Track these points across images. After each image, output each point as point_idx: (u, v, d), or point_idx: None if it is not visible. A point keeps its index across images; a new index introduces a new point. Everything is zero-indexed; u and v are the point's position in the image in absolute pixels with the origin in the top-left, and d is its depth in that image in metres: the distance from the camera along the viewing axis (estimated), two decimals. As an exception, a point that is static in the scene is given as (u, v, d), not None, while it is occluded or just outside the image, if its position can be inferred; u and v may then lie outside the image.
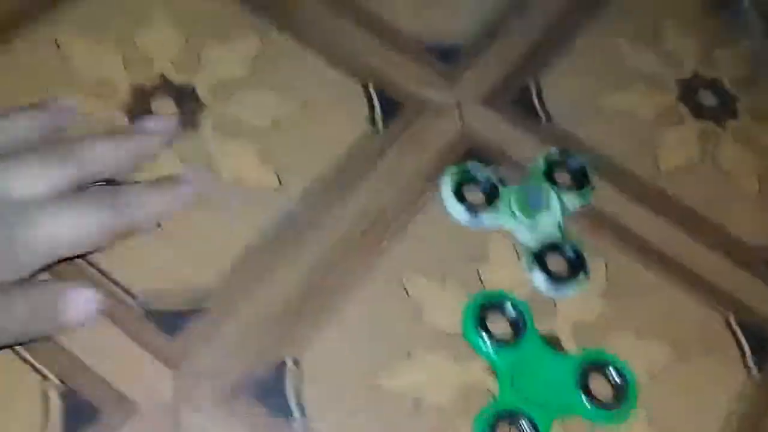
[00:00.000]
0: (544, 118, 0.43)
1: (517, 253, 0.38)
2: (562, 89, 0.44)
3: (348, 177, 0.39)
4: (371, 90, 0.42)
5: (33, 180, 0.30)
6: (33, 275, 0.30)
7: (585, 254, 0.37)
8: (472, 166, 0.39)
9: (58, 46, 0.40)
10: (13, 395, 0.31)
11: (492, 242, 0.38)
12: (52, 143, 0.33)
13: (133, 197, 0.34)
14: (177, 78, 0.40)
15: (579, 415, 0.34)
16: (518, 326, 0.34)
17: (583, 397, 0.34)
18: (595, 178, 0.40)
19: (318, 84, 0.42)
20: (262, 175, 0.38)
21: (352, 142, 0.40)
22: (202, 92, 0.40)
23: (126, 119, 0.38)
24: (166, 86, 0.40)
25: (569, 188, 0.40)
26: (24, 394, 0.31)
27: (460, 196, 0.38)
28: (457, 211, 0.38)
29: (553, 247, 0.37)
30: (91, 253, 0.33)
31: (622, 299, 0.37)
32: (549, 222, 0.38)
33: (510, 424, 0.32)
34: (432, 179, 0.39)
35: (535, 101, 0.43)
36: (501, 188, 0.39)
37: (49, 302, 0.31)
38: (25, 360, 0.31)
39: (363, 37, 0.44)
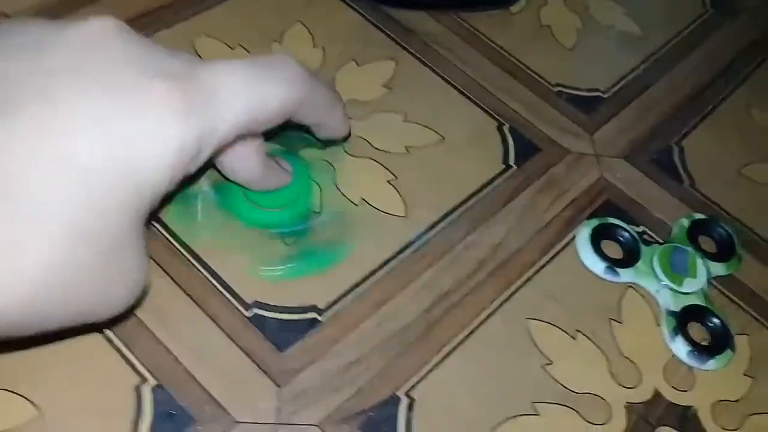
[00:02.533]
0: (687, 181, 0.40)
1: (655, 317, 0.34)
2: (704, 154, 0.42)
3: (478, 215, 0.36)
4: (506, 131, 0.40)
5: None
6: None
7: (731, 327, 0.34)
8: (613, 221, 0.36)
9: (195, 49, 0.40)
10: (107, 392, 0.29)
11: (627, 301, 0.35)
12: None
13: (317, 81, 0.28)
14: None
15: None
16: None
17: None
18: (741, 249, 0.37)
19: (452, 117, 0.40)
20: (390, 202, 0.36)
21: (484, 180, 0.38)
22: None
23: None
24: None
25: (713, 256, 0.37)
26: (119, 391, 0.29)
27: (597, 249, 0.35)
28: (593, 263, 0.35)
29: (696, 315, 0.34)
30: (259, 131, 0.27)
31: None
32: (693, 288, 0.35)
33: None
34: (567, 227, 0.37)
35: (678, 163, 0.41)
36: (643, 247, 0.36)
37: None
38: (125, 358, 0.29)
39: (501, 78, 0.42)
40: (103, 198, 0.18)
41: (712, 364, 0.33)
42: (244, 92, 0.23)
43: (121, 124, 0.19)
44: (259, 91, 0.24)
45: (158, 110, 0.20)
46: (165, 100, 0.20)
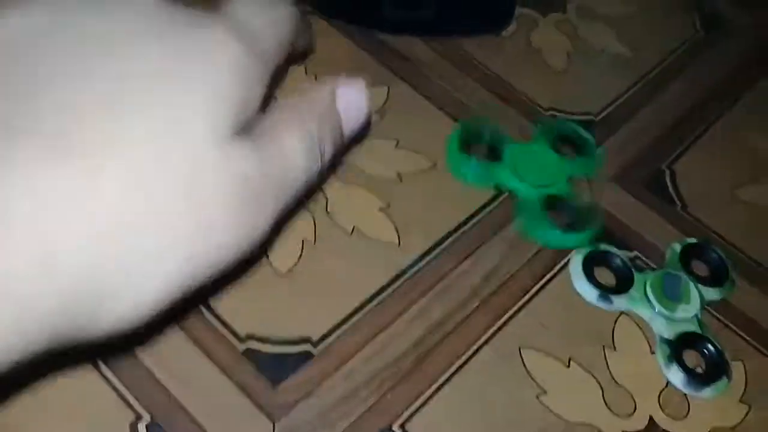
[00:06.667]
0: (679, 205, 0.40)
1: (649, 344, 0.34)
2: (696, 177, 0.42)
3: (470, 242, 0.36)
4: (498, 156, 0.40)
5: None
6: None
7: (726, 354, 0.34)
8: (605, 247, 0.36)
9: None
10: (103, 429, 0.29)
11: (621, 328, 0.35)
12: None
13: None
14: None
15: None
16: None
17: None
18: (735, 273, 0.37)
19: (444, 143, 0.40)
20: (382, 230, 0.36)
21: (476, 206, 0.38)
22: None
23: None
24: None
25: (707, 281, 0.37)
26: (114, 428, 0.29)
27: (590, 276, 0.35)
28: (586, 291, 0.35)
29: (691, 342, 0.34)
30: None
31: (764, 407, 0.34)
32: (687, 315, 0.35)
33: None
34: (559, 253, 0.37)
35: (670, 186, 0.41)
36: (636, 274, 0.36)
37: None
38: (120, 394, 0.29)
39: (494, 103, 0.42)
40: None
41: (708, 392, 0.33)
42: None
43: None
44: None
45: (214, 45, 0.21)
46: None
